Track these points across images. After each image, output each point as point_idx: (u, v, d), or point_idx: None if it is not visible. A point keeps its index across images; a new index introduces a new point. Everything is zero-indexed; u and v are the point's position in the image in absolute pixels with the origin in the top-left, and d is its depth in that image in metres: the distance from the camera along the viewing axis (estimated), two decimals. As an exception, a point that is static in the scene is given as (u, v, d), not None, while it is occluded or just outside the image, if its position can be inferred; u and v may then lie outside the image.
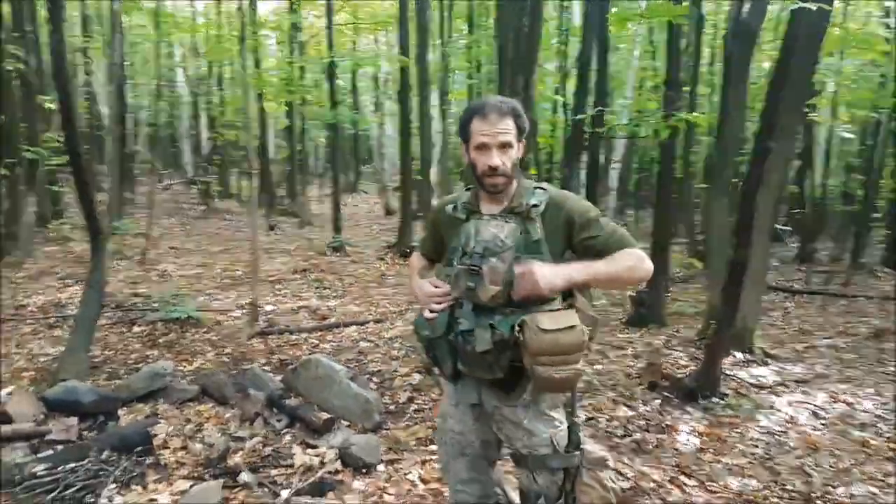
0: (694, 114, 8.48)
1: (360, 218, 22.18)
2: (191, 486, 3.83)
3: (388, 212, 22.29)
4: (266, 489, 3.89)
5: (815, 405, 5.76)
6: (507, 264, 2.32)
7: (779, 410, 5.60)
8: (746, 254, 5.53)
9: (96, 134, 18.38)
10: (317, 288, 10.64)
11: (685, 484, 4.15)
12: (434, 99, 14.48)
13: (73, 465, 3.95)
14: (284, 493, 3.82)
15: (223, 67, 23.69)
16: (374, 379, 6.05)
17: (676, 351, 7.30)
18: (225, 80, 24.02)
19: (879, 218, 15.81)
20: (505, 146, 2.37)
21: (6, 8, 11.61)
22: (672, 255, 10.26)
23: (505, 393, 2.45)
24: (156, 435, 4.49)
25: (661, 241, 8.76)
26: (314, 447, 4.45)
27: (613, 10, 10.72)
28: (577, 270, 2.30)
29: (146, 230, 12.79)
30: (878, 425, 5.32)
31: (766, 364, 6.89)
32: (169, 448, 4.39)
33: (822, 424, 5.36)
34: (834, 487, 4.21)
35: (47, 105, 12.63)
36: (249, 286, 8.65)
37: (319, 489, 3.90)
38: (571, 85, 10.84)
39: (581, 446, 2.45)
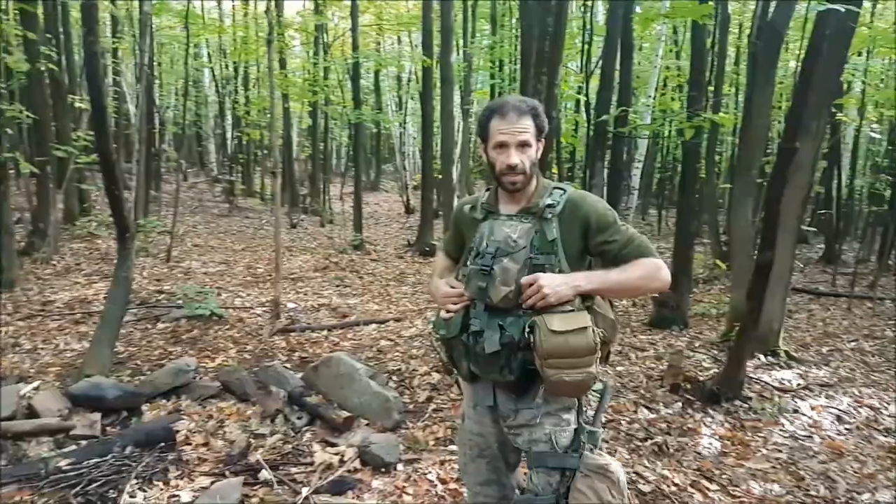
0: (718, 115, 8.41)
1: (381, 216, 22.25)
2: (212, 483, 3.85)
3: (409, 210, 22.33)
4: (286, 487, 3.90)
5: (839, 409, 5.70)
6: (519, 265, 2.31)
7: (803, 414, 5.55)
8: (771, 255, 5.48)
9: (124, 133, 18.53)
10: (337, 286, 10.68)
11: (707, 488, 4.12)
12: (456, 98, 14.48)
13: (96, 460, 3.99)
14: (304, 491, 3.82)
15: (249, 68, 23.83)
16: (394, 378, 6.05)
17: (699, 353, 7.26)
18: (251, 80, 24.16)
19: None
20: (524, 145, 2.35)
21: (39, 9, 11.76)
22: (695, 255, 10.18)
23: (517, 396, 2.42)
24: (178, 431, 4.52)
25: (683, 242, 8.70)
26: (334, 445, 4.46)
27: (637, 9, 10.68)
28: (586, 279, 2.28)
29: (171, 228, 12.89)
30: (905, 430, 5.26)
31: (790, 367, 6.84)
32: (191, 444, 4.42)
33: (847, 429, 5.31)
34: (858, 493, 4.16)
35: (77, 104, 12.80)
36: (271, 284, 8.69)
37: (339, 488, 3.90)
38: (594, 84, 10.79)
39: (581, 450, 2.38)
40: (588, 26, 10.48)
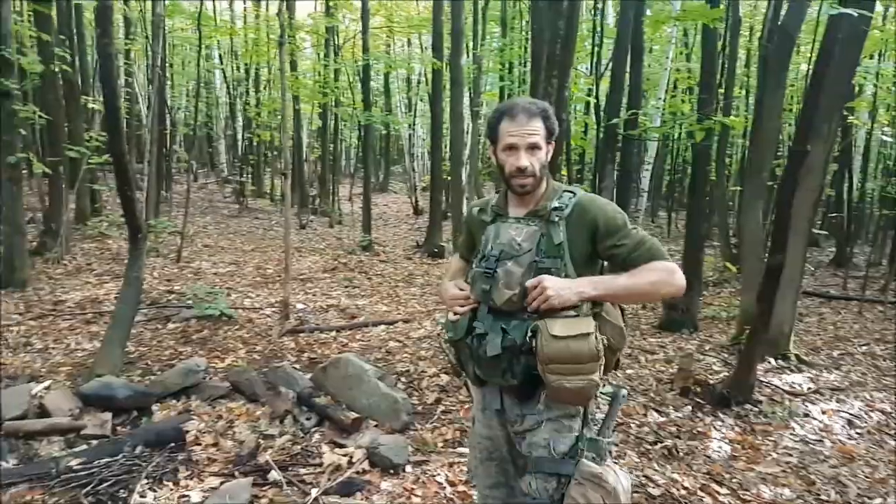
0: (729, 118, 8.40)
1: (390, 217, 22.27)
2: (221, 483, 3.87)
3: (417, 211, 22.35)
4: (295, 488, 3.91)
5: (850, 413, 5.68)
6: (523, 268, 2.29)
7: (813, 418, 5.53)
8: (782, 258, 5.47)
9: (135, 133, 18.63)
10: (346, 287, 10.69)
11: (717, 492, 4.11)
12: (465, 100, 14.49)
13: (107, 459, 4.01)
14: (313, 492, 3.83)
15: (260, 69, 23.90)
16: (402, 379, 6.05)
17: (709, 356, 7.25)
18: (262, 81, 24.24)
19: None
20: (533, 147, 2.33)
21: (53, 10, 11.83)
22: (705, 258, 10.16)
23: (521, 401, 2.39)
24: (188, 431, 4.54)
25: (694, 244, 8.69)
26: (342, 446, 4.46)
27: (647, 12, 10.67)
28: (592, 285, 2.23)
29: (181, 228, 12.93)
30: (916, 435, 5.24)
31: (800, 371, 6.82)
32: (200, 444, 4.43)
33: (858, 433, 5.29)
34: (870, 498, 4.15)
35: (90, 105, 12.87)
36: (281, 284, 8.71)
37: (348, 489, 3.90)
38: (604, 86, 10.78)
39: (578, 457, 2.31)
40: (598, 29, 10.47)
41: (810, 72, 7.89)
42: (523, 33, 17.11)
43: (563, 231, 2.30)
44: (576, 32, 6.88)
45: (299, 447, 4.46)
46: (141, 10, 17.68)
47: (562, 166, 9.96)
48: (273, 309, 8.65)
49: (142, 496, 3.72)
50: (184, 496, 3.75)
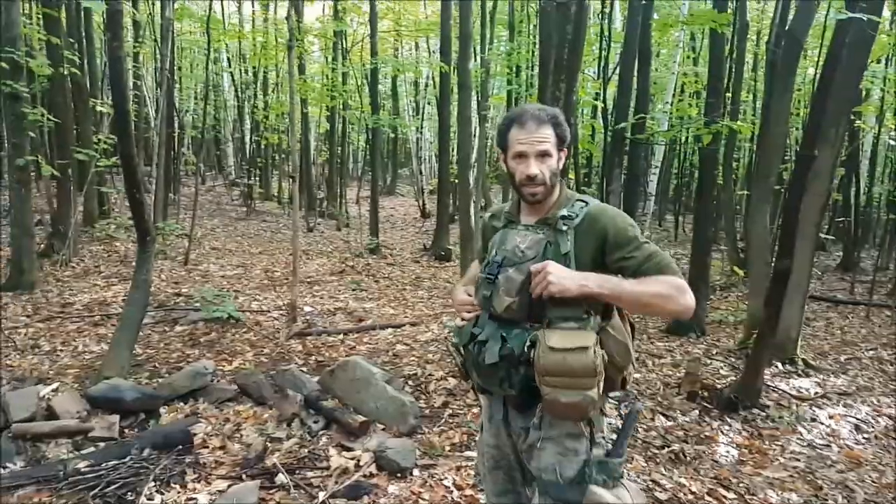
0: (737, 123, 8.39)
1: (397, 220, 22.31)
2: (228, 486, 3.88)
3: (425, 215, 22.37)
4: (302, 491, 3.92)
5: (857, 418, 5.68)
6: (523, 276, 2.23)
7: (821, 423, 5.53)
8: (789, 262, 5.47)
9: (143, 136, 18.69)
10: (353, 290, 10.71)
11: (724, 497, 4.11)
12: (473, 104, 14.50)
13: (114, 462, 4.03)
14: (320, 496, 3.84)
15: (268, 73, 23.97)
16: (410, 382, 6.05)
17: (716, 360, 7.24)
18: (270, 84, 24.30)
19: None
20: (543, 155, 2.29)
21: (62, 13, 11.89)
22: (712, 262, 10.15)
23: (520, 412, 2.35)
24: (195, 434, 4.56)
25: (701, 248, 8.69)
26: (350, 450, 4.47)
27: (655, 15, 10.67)
28: (596, 282, 2.13)
29: (189, 231, 12.97)
30: (924, 440, 5.23)
31: (807, 375, 6.82)
32: (208, 447, 4.45)
33: (865, 438, 5.29)
34: (877, 503, 4.14)
35: (98, 108, 12.92)
36: (288, 287, 8.72)
37: (355, 492, 3.90)
38: (612, 90, 10.79)
39: (587, 482, 2.23)
40: (606, 33, 10.47)
41: (818, 76, 7.88)
42: (531, 37, 17.12)
43: (572, 241, 2.24)
44: (584, 37, 6.90)
45: (306, 450, 4.46)
46: (150, 14, 17.75)
47: (569, 170, 9.96)
48: (280, 312, 8.68)
49: (149, 499, 3.73)
50: (191, 499, 3.76)
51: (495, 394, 2.41)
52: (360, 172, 29.95)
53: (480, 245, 2.74)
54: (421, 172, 25.46)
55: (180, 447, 4.35)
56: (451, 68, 13.55)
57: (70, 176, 11.44)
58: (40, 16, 12.20)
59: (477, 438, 2.81)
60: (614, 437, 2.33)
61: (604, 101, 10.11)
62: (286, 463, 4.23)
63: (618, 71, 9.83)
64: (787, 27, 8.09)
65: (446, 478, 4.15)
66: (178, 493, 3.82)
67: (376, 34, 17.16)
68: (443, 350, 7.11)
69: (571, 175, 10.19)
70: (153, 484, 3.86)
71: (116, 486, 3.79)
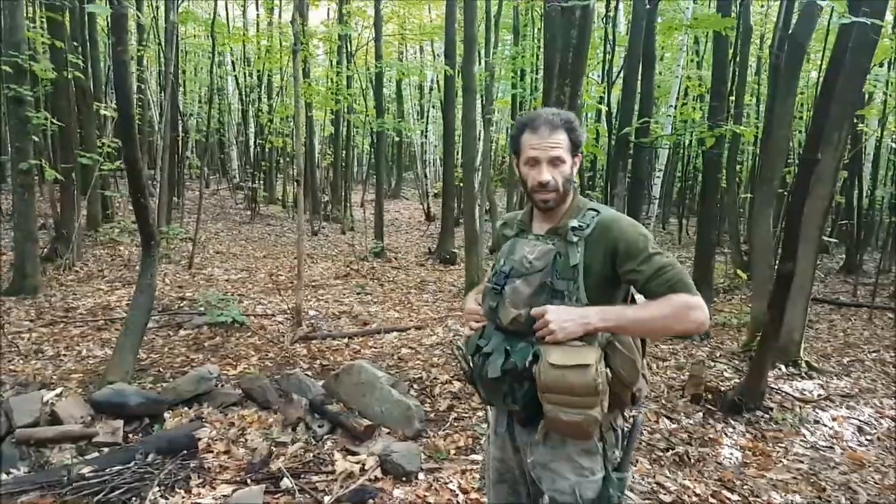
0: (740, 127, 8.41)
1: (402, 224, 22.32)
2: (233, 491, 3.88)
3: (429, 218, 22.39)
4: (307, 495, 3.91)
5: (860, 420, 5.69)
6: (532, 288, 2.17)
7: (824, 425, 5.54)
8: (793, 265, 5.48)
9: (147, 140, 18.74)
10: (358, 293, 10.72)
11: (728, 499, 4.12)
12: (478, 107, 14.53)
13: (119, 467, 4.02)
14: (326, 500, 3.84)
15: (273, 76, 24.01)
16: (415, 386, 6.05)
17: (720, 363, 7.25)
18: (274, 88, 24.35)
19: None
20: (556, 161, 2.22)
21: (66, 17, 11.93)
22: (716, 265, 10.16)
23: (524, 428, 2.30)
24: (200, 439, 4.55)
25: (704, 251, 8.70)
26: (355, 454, 4.47)
27: (659, 19, 10.70)
28: (599, 316, 2.07)
29: (193, 235, 12.99)
30: (927, 443, 5.24)
31: (811, 377, 6.83)
32: (213, 452, 4.45)
33: (868, 440, 5.30)
34: (880, 505, 4.16)
35: (102, 111, 12.95)
36: (293, 291, 8.74)
37: (360, 496, 3.90)
38: (616, 94, 10.82)
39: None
40: (610, 37, 10.52)
41: (821, 80, 7.90)
42: (535, 41, 17.16)
43: (581, 252, 2.17)
44: (588, 41, 6.91)
45: (311, 454, 4.46)
46: (154, 17, 17.81)
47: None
48: (285, 316, 8.69)
49: None
50: None
51: (499, 408, 2.39)
52: (364, 176, 30.09)
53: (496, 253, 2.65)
54: (425, 176, 25.49)
55: (185, 452, 4.34)
56: (456, 72, 13.57)
57: (73, 180, 11.44)
58: (44, 19, 12.24)
59: (482, 443, 2.80)
60: (618, 451, 2.29)
61: (608, 105, 10.15)
62: (291, 467, 4.23)
63: (622, 75, 9.86)
64: (790, 31, 8.11)
65: (451, 481, 4.15)
66: (183, 498, 3.83)
67: (381, 38, 17.21)
68: (448, 353, 7.13)
69: (576, 178, 10.22)
70: (157, 489, 3.85)
71: (121, 491, 3.78)
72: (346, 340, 7.78)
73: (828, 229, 15.68)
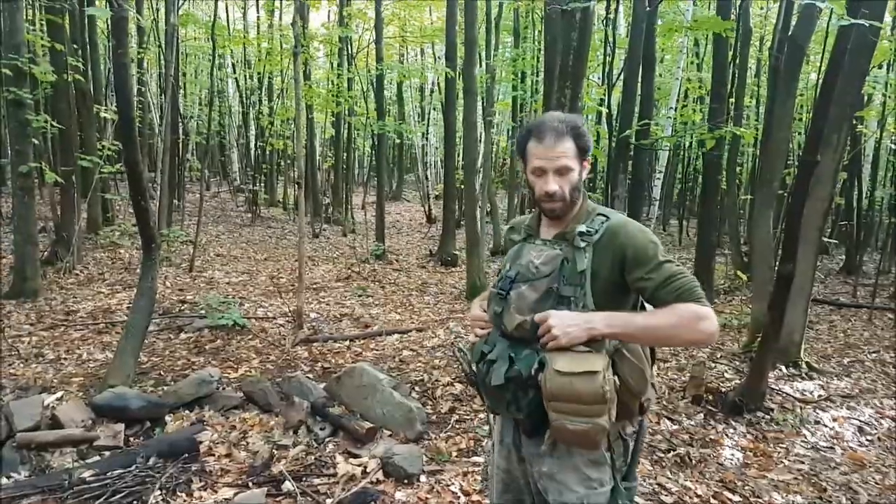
0: (740, 129, 8.42)
1: (403, 226, 22.33)
2: (235, 494, 3.89)
3: (430, 220, 22.40)
4: (309, 498, 3.92)
5: (861, 420, 5.70)
6: (538, 294, 2.15)
7: (824, 426, 5.55)
8: (793, 266, 5.49)
9: (148, 142, 18.75)
10: (359, 296, 10.72)
11: (729, 500, 4.13)
12: (479, 109, 14.54)
13: (120, 471, 4.02)
14: (328, 503, 3.85)
15: (273, 78, 24.02)
16: (416, 388, 6.06)
17: (721, 364, 7.25)
18: (275, 90, 24.36)
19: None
20: (563, 170, 2.17)
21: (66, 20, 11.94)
22: (716, 266, 10.17)
23: (530, 437, 2.25)
24: (201, 442, 4.56)
25: (704, 253, 8.71)
26: (357, 456, 4.47)
27: (659, 22, 10.71)
28: (605, 322, 2.03)
29: (194, 238, 13.00)
30: (927, 443, 5.25)
31: (811, 378, 6.83)
32: (214, 455, 4.46)
33: (869, 440, 5.31)
34: (880, 505, 4.16)
35: (102, 114, 12.96)
36: (294, 293, 8.74)
37: (362, 499, 3.90)
38: (616, 96, 10.82)
39: None
40: (610, 39, 10.51)
41: (820, 81, 7.91)
42: (536, 43, 17.20)
43: (589, 258, 2.13)
44: (588, 43, 6.93)
45: (313, 457, 4.47)
46: (154, 20, 17.83)
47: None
48: (286, 318, 8.70)
49: (155, 507, 3.75)
50: (198, 506, 3.78)
51: (504, 416, 2.37)
52: (365, 178, 30.09)
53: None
54: (426, 178, 25.49)
55: (186, 455, 4.34)
56: (457, 74, 13.58)
57: (74, 183, 11.44)
58: (44, 22, 12.25)
59: (484, 445, 2.79)
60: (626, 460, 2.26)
61: (608, 107, 10.13)
62: (293, 470, 4.23)
63: (622, 77, 9.86)
64: (789, 33, 8.12)
65: (453, 484, 4.15)
66: (185, 501, 3.84)
67: (382, 40, 17.22)
68: (449, 355, 7.13)
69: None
70: (159, 492, 3.85)
71: (122, 494, 3.78)
72: (347, 343, 7.79)
73: (828, 230, 15.72)
